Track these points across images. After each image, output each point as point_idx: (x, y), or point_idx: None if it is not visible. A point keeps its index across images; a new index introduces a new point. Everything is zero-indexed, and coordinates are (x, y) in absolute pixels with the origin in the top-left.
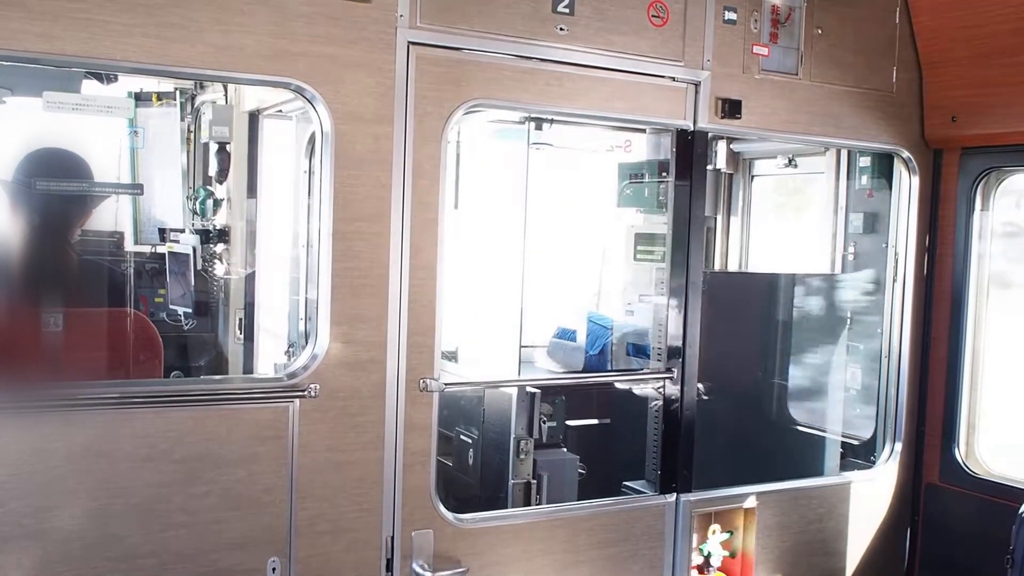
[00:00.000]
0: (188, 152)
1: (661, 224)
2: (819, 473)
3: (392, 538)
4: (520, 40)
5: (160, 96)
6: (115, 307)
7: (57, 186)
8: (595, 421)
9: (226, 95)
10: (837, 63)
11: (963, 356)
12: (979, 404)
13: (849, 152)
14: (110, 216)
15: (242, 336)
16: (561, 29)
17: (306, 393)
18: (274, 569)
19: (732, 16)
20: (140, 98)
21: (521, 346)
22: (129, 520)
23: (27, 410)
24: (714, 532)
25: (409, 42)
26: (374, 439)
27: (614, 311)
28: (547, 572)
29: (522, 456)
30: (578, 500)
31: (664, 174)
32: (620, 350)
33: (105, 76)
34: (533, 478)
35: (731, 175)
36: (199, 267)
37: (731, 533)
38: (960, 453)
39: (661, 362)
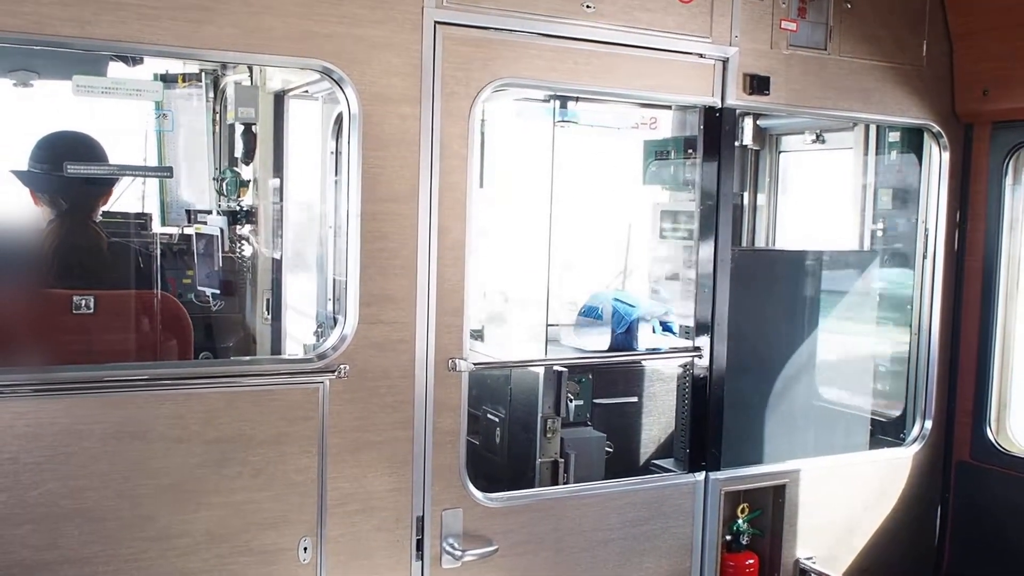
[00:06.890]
0: (214, 133)
1: (687, 201)
2: (848, 451)
3: (422, 517)
4: (547, 18)
5: (186, 78)
6: (143, 289)
7: (87, 170)
8: (622, 400)
9: (251, 76)
10: (866, 37)
11: (994, 333)
12: (1011, 381)
13: (878, 127)
14: (137, 198)
15: (270, 317)
16: (588, 7)
17: (336, 373)
18: (305, 548)
19: None
20: (166, 80)
21: (548, 325)
22: (162, 500)
23: (62, 392)
24: (743, 510)
25: (436, 21)
26: (404, 419)
27: (641, 289)
28: (577, 550)
29: (549, 435)
30: (606, 479)
31: (691, 151)
32: (647, 328)
33: (131, 58)
34: (560, 457)
35: (758, 151)
36: (226, 248)
37: (760, 511)
38: (991, 431)
39: (689, 340)
